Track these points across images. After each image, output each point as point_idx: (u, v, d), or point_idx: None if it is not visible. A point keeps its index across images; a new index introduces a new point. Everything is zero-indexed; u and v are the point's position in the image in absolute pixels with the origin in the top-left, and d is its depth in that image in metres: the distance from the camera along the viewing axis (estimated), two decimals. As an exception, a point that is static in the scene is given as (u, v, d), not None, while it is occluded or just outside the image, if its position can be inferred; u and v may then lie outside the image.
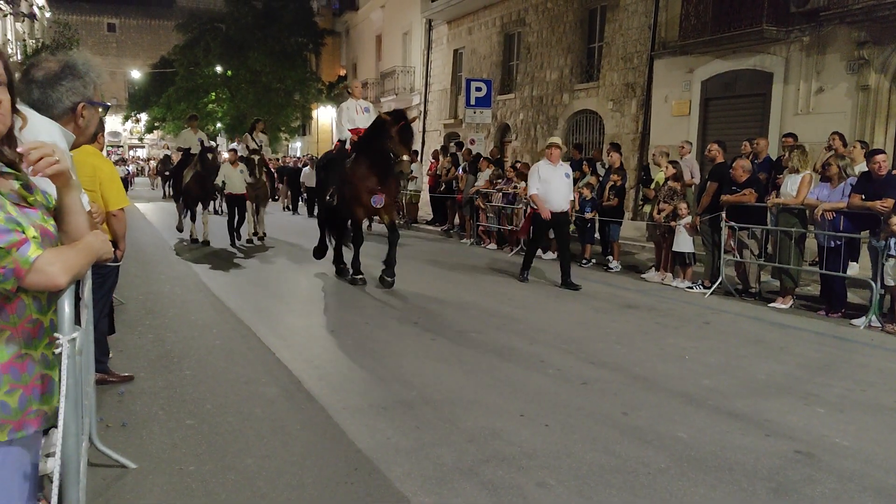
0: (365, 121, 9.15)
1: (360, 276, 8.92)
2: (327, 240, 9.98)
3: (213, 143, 14.29)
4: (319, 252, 10.10)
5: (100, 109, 2.36)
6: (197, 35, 33.03)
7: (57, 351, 1.64)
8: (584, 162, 13.23)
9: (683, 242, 9.72)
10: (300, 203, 22.15)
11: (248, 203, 13.54)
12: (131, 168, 32.79)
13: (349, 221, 9.46)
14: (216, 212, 18.75)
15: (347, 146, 9.23)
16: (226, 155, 14.90)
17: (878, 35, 11.34)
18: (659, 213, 10.26)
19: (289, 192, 22.98)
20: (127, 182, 28.87)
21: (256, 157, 13.51)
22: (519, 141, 20.63)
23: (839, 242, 7.84)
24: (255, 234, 13.79)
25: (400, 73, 27.51)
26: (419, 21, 26.11)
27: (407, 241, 14.15)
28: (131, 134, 45.80)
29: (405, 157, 8.16)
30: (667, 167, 10.61)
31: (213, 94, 33.49)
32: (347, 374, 5.16)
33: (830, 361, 5.85)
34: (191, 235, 13.16)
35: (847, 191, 7.88)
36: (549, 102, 19.29)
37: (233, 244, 12.85)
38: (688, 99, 15.09)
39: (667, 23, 15.36)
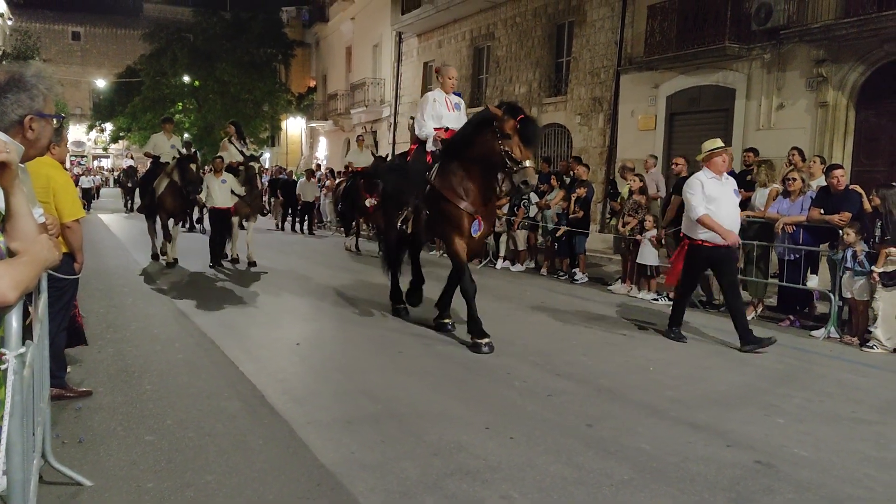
0: (455, 120, 7.04)
1: (447, 321, 7.13)
2: (394, 277, 7.93)
3: (193, 150, 12.10)
4: (399, 296, 7.88)
5: (53, 121, 2.31)
6: (164, 44, 32.64)
7: (2, 367, 1.60)
8: (552, 175, 13.35)
9: (648, 255, 9.84)
10: (294, 220, 19.89)
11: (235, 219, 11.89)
12: (97, 179, 32.10)
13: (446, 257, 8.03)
14: (192, 228, 17.82)
15: (430, 148, 6.92)
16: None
17: (835, 53, 11.65)
18: (624, 225, 10.39)
19: (281, 208, 20.44)
20: (91, 194, 28.22)
21: (257, 165, 11.85)
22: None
23: (798, 255, 8.01)
24: (235, 257, 11.99)
25: (370, 84, 27.52)
26: (389, 34, 26.19)
27: (371, 253, 14.09)
28: (96, 144, 44.99)
29: (528, 164, 6.09)
30: (633, 180, 10.76)
31: (180, 104, 33.11)
32: (313, 388, 5.11)
33: (791, 372, 5.95)
34: (160, 255, 11.72)
35: (806, 205, 8.07)
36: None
37: (214, 266, 11.25)
38: (653, 113, 15.33)
39: (632, 39, 15.61)
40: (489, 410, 4.65)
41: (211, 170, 11.66)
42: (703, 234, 6.77)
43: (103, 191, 36.17)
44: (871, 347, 6.81)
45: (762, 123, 12.96)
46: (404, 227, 6.90)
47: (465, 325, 6.62)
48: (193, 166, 10.97)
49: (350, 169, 15.23)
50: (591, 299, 9.62)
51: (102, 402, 4.62)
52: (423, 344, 6.53)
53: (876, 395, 5.34)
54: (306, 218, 19.57)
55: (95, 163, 49.69)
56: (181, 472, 3.57)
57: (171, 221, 11.41)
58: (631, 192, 10.72)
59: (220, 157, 11.88)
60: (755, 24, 12.67)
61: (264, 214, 15.17)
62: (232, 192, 11.46)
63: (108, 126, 36.88)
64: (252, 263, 11.66)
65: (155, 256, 11.92)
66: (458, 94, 7.47)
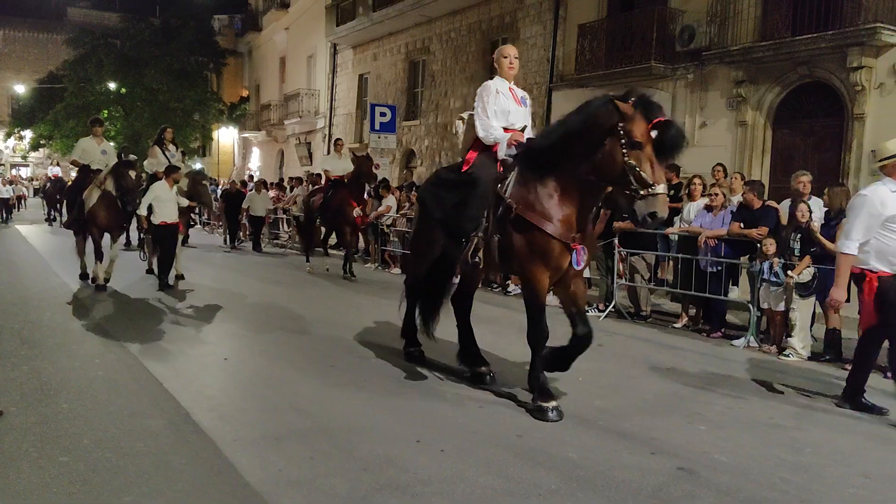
0: (525, 117, 5.49)
1: (484, 370, 5.79)
2: (411, 310, 6.37)
3: (133, 156, 10.19)
4: (414, 334, 6.39)
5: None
6: (89, 50, 31.51)
7: None
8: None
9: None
10: (234, 235, 17.91)
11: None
12: (15, 189, 30.40)
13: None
14: (128, 244, 15.21)
15: (503, 155, 5.27)
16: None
17: (753, 75, 12.23)
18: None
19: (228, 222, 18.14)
20: (9, 205, 26.76)
21: (197, 176, 11.00)
22: (424, 167, 20.80)
23: (720, 267, 8.32)
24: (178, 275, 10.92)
25: (304, 95, 27.26)
26: (324, 45, 26.04)
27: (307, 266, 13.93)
28: (14, 152, 42.93)
29: (661, 189, 4.38)
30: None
31: (106, 111, 31.99)
32: (240, 405, 4.98)
33: (712, 380, 6.16)
34: (92, 279, 10.08)
35: (727, 219, 8.40)
36: (454, 130, 19.57)
37: (162, 288, 9.97)
38: (585, 129, 15.69)
39: (564, 57, 16.00)
40: (421, 423, 4.64)
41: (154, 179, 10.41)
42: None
43: (29, 201, 34.26)
44: (787, 356, 7.12)
45: (687, 141, 13.42)
46: (476, 259, 5.10)
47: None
48: (132, 173, 9.50)
49: (328, 177, 13.42)
50: (524, 311, 9.70)
51: (14, 422, 4.39)
52: (357, 357, 6.47)
53: (792, 400, 5.58)
54: (244, 233, 18.35)
55: (13, 171, 47.36)
56: (97, 495, 3.42)
57: (106, 238, 9.98)
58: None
59: (179, 167, 10.64)
60: (679, 46, 13.18)
61: (204, 226, 14.48)
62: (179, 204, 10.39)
63: (28, 133, 35.29)
64: (180, 277, 10.98)
65: (84, 276, 10.47)
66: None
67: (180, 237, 10.98)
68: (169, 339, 6.97)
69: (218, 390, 5.32)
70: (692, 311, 8.98)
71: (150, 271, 11.11)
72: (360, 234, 13.71)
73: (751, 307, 7.87)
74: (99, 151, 10.95)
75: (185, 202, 10.63)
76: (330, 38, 24.89)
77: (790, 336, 7.22)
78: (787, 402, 5.53)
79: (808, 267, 7.14)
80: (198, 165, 36.20)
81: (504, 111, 5.41)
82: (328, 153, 25.46)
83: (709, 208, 8.78)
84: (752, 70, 12.20)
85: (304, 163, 27.56)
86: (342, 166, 13.23)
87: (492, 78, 5.59)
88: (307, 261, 13.51)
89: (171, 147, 11.59)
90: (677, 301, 9.57)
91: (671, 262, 9.64)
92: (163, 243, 10.20)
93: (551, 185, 4.87)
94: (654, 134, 4.37)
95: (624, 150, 4.38)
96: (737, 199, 8.85)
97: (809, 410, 5.35)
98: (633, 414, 5.01)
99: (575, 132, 4.67)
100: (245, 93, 36.01)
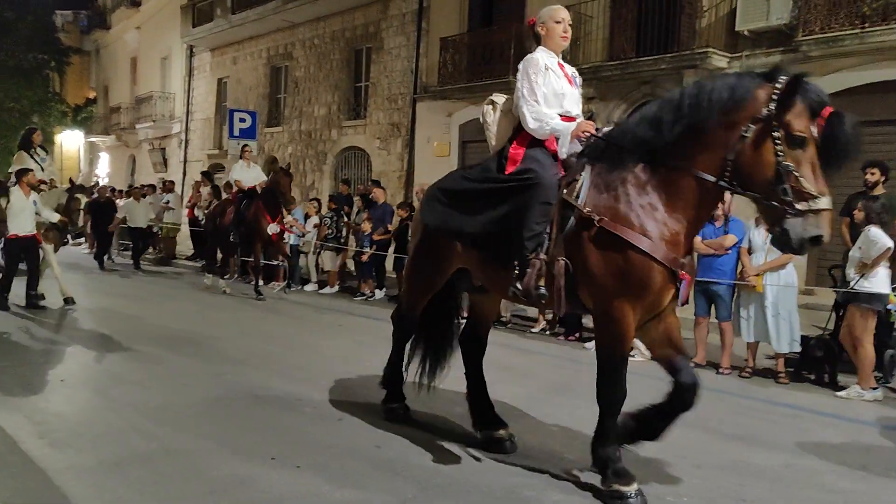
0: (577, 101, 4.26)
1: (503, 434, 4.53)
2: (399, 356, 5.11)
3: None
4: (399, 387, 5.13)
5: None
6: None
7: None
8: (359, 197, 13.42)
9: (443, 276, 10.19)
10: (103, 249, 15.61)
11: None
12: None
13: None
14: None
15: (564, 152, 4.02)
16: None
17: (603, 92, 12.98)
18: (420, 247, 10.69)
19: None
20: None
21: (66, 188, 9.67)
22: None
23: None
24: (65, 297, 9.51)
25: (158, 99, 25.86)
26: (179, 46, 24.86)
27: (165, 279, 13.23)
28: None
29: (825, 203, 3.30)
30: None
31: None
32: (76, 430, 4.59)
33: (567, 383, 6.43)
34: None
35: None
36: (318, 137, 19.34)
37: (29, 305, 9.09)
38: (448, 141, 16.01)
39: (427, 68, 16.24)
40: (276, 440, 4.49)
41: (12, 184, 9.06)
42: None
43: None
44: (633, 356, 7.57)
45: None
46: (541, 290, 3.81)
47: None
48: None
49: (239, 188, 12.10)
50: (388, 320, 9.70)
51: None
52: (211, 374, 6.18)
53: (635, 399, 5.89)
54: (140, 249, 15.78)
55: None
56: None
57: None
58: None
59: (31, 169, 9.40)
60: (535, 62, 13.73)
61: (68, 242, 12.18)
62: (38, 214, 9.09)
63: None
64: (69, 300, 9.47)
65: None
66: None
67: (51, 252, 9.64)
68: (-4, 361, 6.32)
69: (51, 415, 4.87)
70: (549, 316, 9.36)
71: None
72: (279, 248, 12.15)
73: (601, 311, 8.30)
74: None
75: (54, 216, 9.28)
76: (186, 39, 23.79)
77: (636, 338, 7.68)
78: (631, 401, 5.85)
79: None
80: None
81: (556, 93, 4.08)
82: (184, 160, 24.42)
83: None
84: (602, 88, 12.94)
85: (158, 169, 26.13)
86: (253, 176, 12.27)
87: (532, 50, 4.22)
88: (222, 278, 12.20)
89: (41, 151, 10.50)
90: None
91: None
92: (18, 260, 9.07)
93: (653, 189, 3.62)
94: (816, 129, 3.27)
95: (779, 148, 3.28)
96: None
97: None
98: (490, 418, 5.11)
99: (699, 119, 3.48)
100: (92, 94, 33.61)
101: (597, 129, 3.93)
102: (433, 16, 16.25)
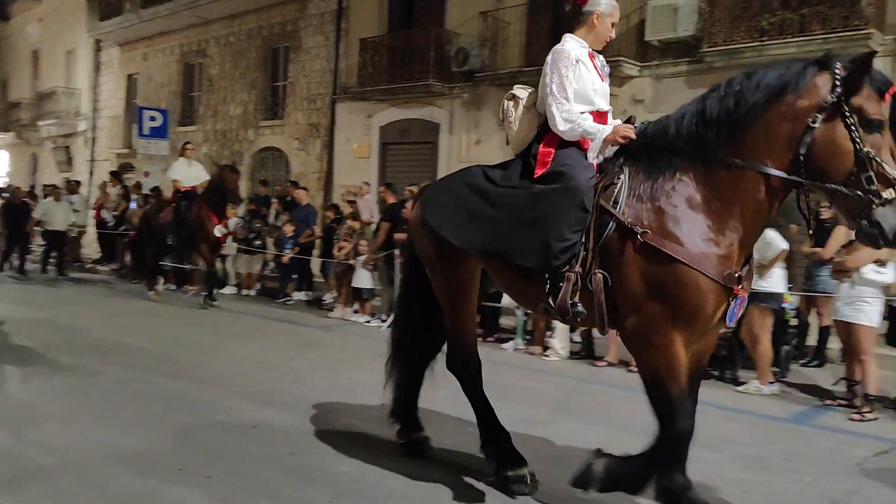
0: (606, 96, 3.78)
1: (524, 474, 3.95)
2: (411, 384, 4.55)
3: None
4: (415, 421, 4.57)
5: None
6: None
7: None
8: (277, 199, 13.16)
9: (362, 278, 10.13)
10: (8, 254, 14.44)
11: None
12: None
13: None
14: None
15: (596, 155, 3.62)
16: None
17: (520, 97, 13.20)
18: (339, 250, 10.58)
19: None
20: None
21: None
22: (202, 175, 19.76)
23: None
24: None
25: (62, 95, 24.59)
26: (86, 40, 23.73)
27: (71, 283, 12.60)
28: None
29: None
30: (345, 207, 11.06)
31: None
32: (-36, 446, 4.30)
33: (484, 384, 6.48)
34: None
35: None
36: (234, 137, 18.86)
37: None
38: (368, 142, 15.92)
39: (347, 69, 16.11)
40: (186, 450, 4.34)
41: None
42: None
43: None
44: (549, 356, 7.75)
45: (463, 157, 14.14)
46: (578, 308, 3.35)
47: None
48: None
49: (177, 188, 11.34)
50: (308, 324, 9.60)
51: None
52: (116, 382, 5.91)
53: (550, 398, 6.07)
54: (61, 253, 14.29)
55: None
56: None
57: None
58: (345, 218, 10.99)
59: None
60: (455, 66, 13.87)
61: None
62: None
63: None
64: None
65: None
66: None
67: None
68: None
69: (-64, 432, 4.55)
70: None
71: None
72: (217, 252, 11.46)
73: (518, 312, 8.44)
74: None
75: None
76: (92, 33, 22.74)
77: (552, 338, 7.86)
78: (547, 400, 6.00)
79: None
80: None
81: (587, 90, 3.64)
82: (91, 158, 23.30)
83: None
84: (520, 93, 13.16)
85: (62, 169, 24.83)
86: (194, 175, 11.50)
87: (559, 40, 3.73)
88: (150, 288, 11.41)
89: None
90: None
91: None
92: None
93: (704, 194, 3.19)
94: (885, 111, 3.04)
95: (855, 135, 2.97)
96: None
97: (564, 406, 5.85)
98: (407, 421, 5.11)
99: (755, 113, 3.10)
100: (-12, 88, 31.62)
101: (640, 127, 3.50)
102: (352, 16, 16.13)
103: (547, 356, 7.75)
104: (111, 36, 22.38)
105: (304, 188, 13.36)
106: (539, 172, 3.57)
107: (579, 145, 3.59)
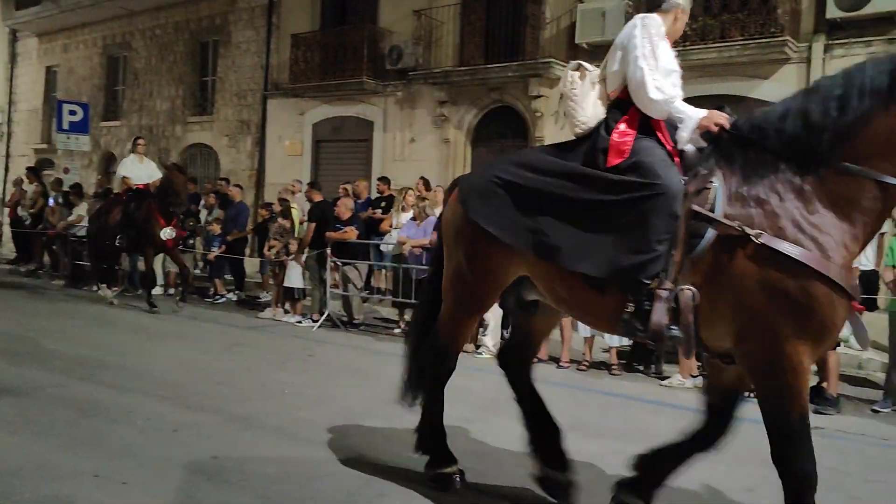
0: (675, 82, 3.27)
1: (568, 479, 3.77)
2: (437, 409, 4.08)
3: None
4: (445, 450, 3.99)
5: None
6: None
7: None
8: (213, 195, 12.81)
9: (294, 278, 9.96)
10: None
11: None
12: None
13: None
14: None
15: (688, 142, 3.15)
16: None
17: (454, 97, 13.26)
18: (269, 249, 10.38)
19: None
20: None
21: None
22: (127, 172, 19.09)
23: (425, 275, 8.83)
24: None
25: (-26, 86, 23.35)
26: (1, 30, 22.58)
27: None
28: None
29: None
30: (277, 205, 10.87)
31: None
32: None
33: (415, 382, 6.47)
34: None
35: (429, 229, 8.96)
36: (161, 133, 18.29)
37: None
38: (300, 140, 15.70)
39: (278, 65, 15.84)
40: (103, 455, 4.17)
41: None
42: None
43: None
44: (481, 354, 7.80)
45: (398, 155, 14.14)
46: (671, 329, 2.97)
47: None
48: None
49: (128, 186, 10.70)
50: (236, 325, 9.38)
51: None
52: (30, 387, 5.63)
53: (480, 395, 6.10)
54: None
55: None
56: None
57: None
58: (275, 217, 10.79)
59: None
60: (389, 64, 13.82)
61: None
62: None
63: None
64: None
65: None
66: None
67: None
68: None
69: None
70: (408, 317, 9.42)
71: None
72: (174, 258, 10.81)
73: (451, 311, 8.46)
74: None
75: None
76: (8, 23, 21.72)
77: (483, 335, 7.92)
78: (476, 397, 6.02)
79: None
80: None
81: (670, 70, 3.22)
82: (6, 154, 22.21)
83: (414, 219, 9.30)
84: (453, 92, 13.22)
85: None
86: (146, 172, 10.84)
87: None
88: (96, 289, 10.94)
89: None
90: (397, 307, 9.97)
91: (384, 271, 10.08)
92: None
93: (819, 199, 2.82)
94: None
95: None
96: (439, 210, 9.49)
97: (495, 403, 5.88)
98: (335, 422, 5.04)
99: (865, 112, 2.76)
100: None
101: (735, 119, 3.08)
102: (284, 11, 15.88)
103: (479, 354, 7.79)
104: (28, 26, 21.41)
105: (239, 185, 13.07)
106: (614, 162, 3.09)
107: (657, 137, 3.15)
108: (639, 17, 3.25)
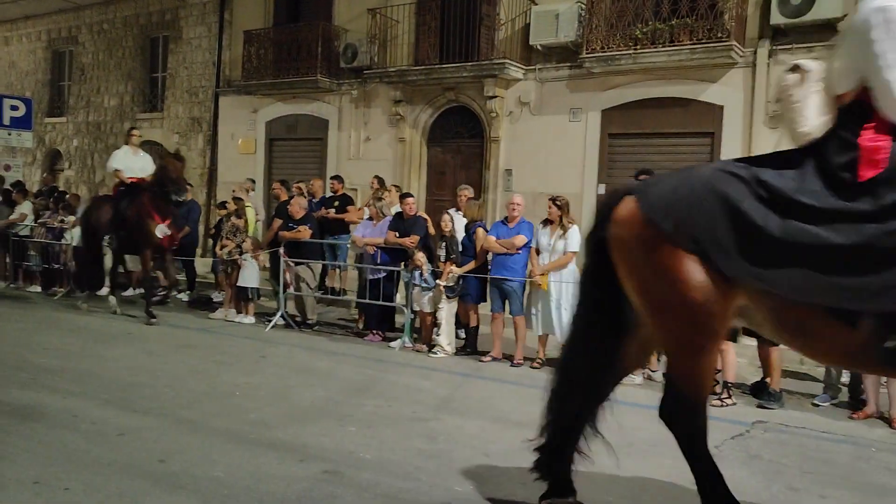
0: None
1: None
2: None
3: None
4: (563, 480, 3.71)
5: None
6: None
7: None
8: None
9: (249, 278, 9.81)
10: None
11: None
12: None
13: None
14: None
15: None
16: None
17: (409, 96, 13.24)
18: (221, 248, 10.21)
19: None
20: None
21: None
22: (74, 169, 18.57)
23: (381, 274, 8.80)
24: None
25: None
26: (-63, 20, 21.71)
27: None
28: None
29: None
30: (231, 204, 10.68)
31: None
32: None
33: (368, 382, 6.46)
34: None
35: (385, 228, 8.94)
36: (109, 130, 17.84)
37: None
38: (253, 138, 15.49)
39: (231, 61, 15.61)
40: (43, 461, 4.05)
41: None
42: None
43: None
44: (436, 353, 7.81)
45: (352, 154, 14.06)
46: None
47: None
48: None
49: (120, 180, 9.91)
50: (186, 326, 9.20)
51: None
52: (-35, 393, 5.44)
53: (434, 394, 6.12)
54: None
55: None
56: None
57: None
58: (228, 216, 10.62)
59: None
60: (343, 62, 13.73)
61: None
62: None
63: None
64: None
65: None
66: None
67: None
68: None
69: None
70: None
71: None
72: (167, 259, 9.77)
73: (406, 310, 8.46)
74: None
75: None
76: (-55, 12, 20.83)
77: (438, 335, 7.93)
78: (430, 396, 6.04)
79: (451, 272, 7.93)
80: None
81: None
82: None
83: (371, 219, 9.26)
84: (409, 91, 13.20)
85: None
86: (140, 165, 9.93)
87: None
88: (80, 291, 10.38)
89: None
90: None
91: (339, 270, 10.02)
92: None
93: None
94: None
95: None
96: (395, 209, 9.47)
97: (448, 401, 5.91)
98: (286, 423, 5.00)
99: None
100: None
101: None
102: (236, 7, 15.65)
103: (434, 353, 7.80)
104: (-34, 17, 20.61)
105: (189, 184, 12.80)
106: (868, 175, 2.63)
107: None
108: (878, 11, 2.64)
